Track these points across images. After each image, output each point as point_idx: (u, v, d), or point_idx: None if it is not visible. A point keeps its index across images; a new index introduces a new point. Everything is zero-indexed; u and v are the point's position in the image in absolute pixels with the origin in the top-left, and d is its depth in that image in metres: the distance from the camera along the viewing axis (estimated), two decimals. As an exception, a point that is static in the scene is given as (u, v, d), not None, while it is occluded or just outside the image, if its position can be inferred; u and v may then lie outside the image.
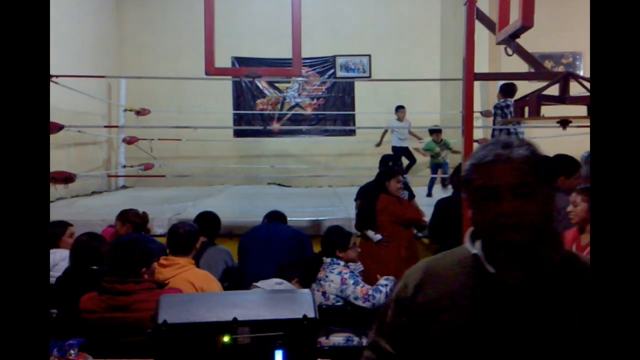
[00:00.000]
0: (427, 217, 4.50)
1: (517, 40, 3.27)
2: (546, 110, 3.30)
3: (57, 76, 5.83)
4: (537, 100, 3.17)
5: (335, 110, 10.32)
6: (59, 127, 5.80)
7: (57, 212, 5.47)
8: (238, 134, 10.21)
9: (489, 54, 7.70)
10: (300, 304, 1.35)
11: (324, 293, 3.31)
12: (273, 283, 2.99)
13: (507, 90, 6.24)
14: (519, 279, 1.09)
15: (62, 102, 6.67)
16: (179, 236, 3.11)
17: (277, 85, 10.36)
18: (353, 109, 10.33)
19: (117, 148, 9.38)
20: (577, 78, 3.34)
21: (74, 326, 2.44)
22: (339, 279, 3.31)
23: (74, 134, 7.26)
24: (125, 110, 9.13)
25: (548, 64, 8.65)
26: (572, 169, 3.48)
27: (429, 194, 7.15)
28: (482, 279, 1.12)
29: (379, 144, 8.59)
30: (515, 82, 6.10)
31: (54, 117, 4.86)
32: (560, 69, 8.66)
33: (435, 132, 7.70)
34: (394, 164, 5.60)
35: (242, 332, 1.28)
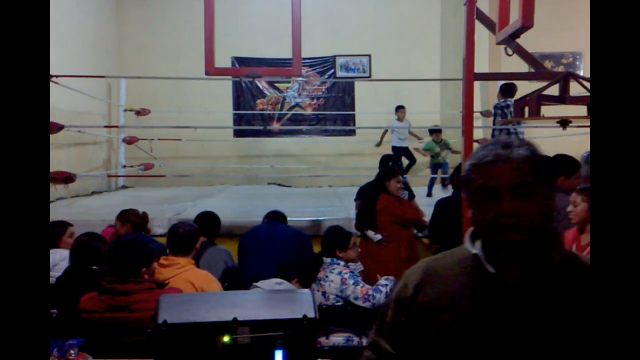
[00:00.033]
0: (427, 217, 4.50)
1: (517, 40, 3.27)
2: (546, 110, 3.30)
3: (57, 76, 5.83)
4: (537, 100, 3.17)
5: (335, 110, 10.33)
6: (59, 127, 5.80)
7: (57, 212, 5.47)
8: (238, 134, 10.21)
9: (489, 54, 7.70)
10: (300, 304, 1.35)
11: (324, 293, 3.31)
12: (273, 283, 2.99)
13: (507, 90, 6.25)
14: (519, 279, 1.09)
15: (62, 102, 6.67)
16: (179, 236, 3.11)
17: (277, 85, 10.36)
18: (353, 109, 10.33)
19: (117, 148, 9.38)
20: (577, 78, 3.34)
21: (74, 326, 2.44)
22: (339, 279, 3.31)
23: (74, 134, 7.26)
24: (125, 110, 9.13)
25: (548, 64, 8.65)
26: (572, 169, 3.49)
27: (429, 194, 7.15)
28: (482, 279, 1.12)
29: (379, 144, 8.59)
30: (515, 82, 6.10)
31: (54, 117, 4.86)
32: (560, 69, 8.66)
33: (435, 132, 7.71)
34: (394, 164, 5.60)
35: (242, 332, 1.28)
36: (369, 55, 10.26)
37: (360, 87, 10.29)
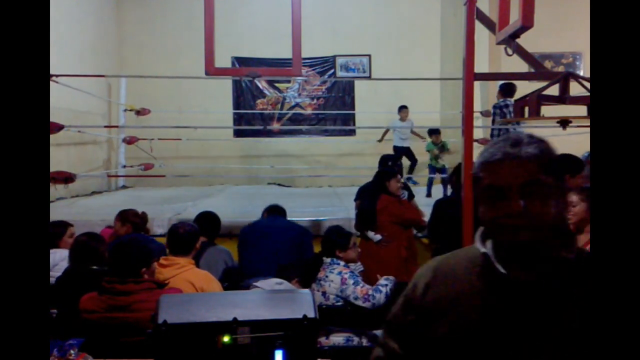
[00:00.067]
0: (426, 217, 4.50)
1: (517, 40, 3.26)
2: (546, 110, 3.30)
3: (57, 75, 5.83)
4: (537, 100, 3.17)
5: (335, 110, 10.33)
6: (59, 127, 5.80)
7: (57, 212, 5.47)
8: (238, 133, 10.20)
9: (489, 54, 7.70)
10: (300, 304, 1.35)
11: (324, 293, 3.31)
12: (273, 283, 2.99)
13: (507, 90, 6.25)
14: (530, 279, 1.08)
15: (62, 101, 6.67)
16: (179, 236, 3.11)
17: (277, 85, 10.36)
18: (353, 108, 10.34)
19: (117, 148, 9.38)
20: (577, 78, 3.34)
21: (74, 326, 2.44)
22: (339, 279, 3.31)
23: (74, 134, 7.25)
24: (125, 110, 9.14)
25: (548, 64, 8.65)
26: (577, 168, 3.48)
27: (429, 194, 7.15)
28: (492, 279, 1.11)
29: (380, 140, 8.69)
30: (515, 82, 6.10)
31: (54, 117, 4.86)
32: (560, 69, 8.66)
33: (434, 133, 7.69)
34: (394, 163, 5.61)
35: (242, 332, 1.28)
36: (369, 55, 10.26)
37: (360, 87, 10.29)
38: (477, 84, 4.12)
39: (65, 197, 7.24)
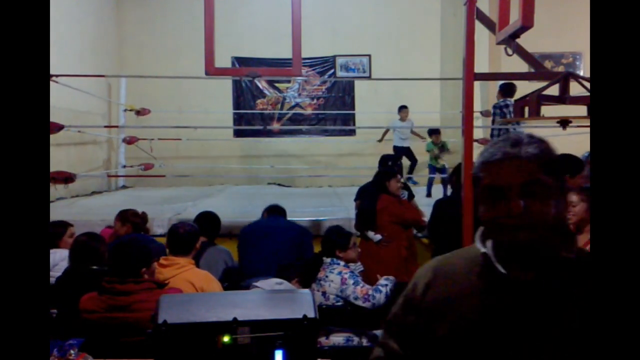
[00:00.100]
0: (426, 217, 4.50)
1: (517, 40, 3.26)
2: (546, 110, 3.30)
3: (57, 75, 5.83)
4: (537, 100, 3.17)
5: (336, 110, 10.33)
6: (59, 127, 5.80)
7: (57, 212, 5.47)
8: (238, 133, 10.20)
9: (489, 54, 7.70)
10: (300, 304, 1.35)
11: (324, 293, 3.31)
12: (273, 283, 2.99)
13: (507, 90, 6.25)
14: (530, 279, 1.08)
15: (62, 101, 6.67)
16: (179, 236, 3.11)
17: (277, 85, 10.36)
18: (353, 108, 10.33)
19: (117, 148, 9.38)
20: (577, 78, 3.34)
21: (74, 326, 2.44)
22: (339, 279, 3.31)
23: (74, 134, 7.25)
24: (125, 110, 9.14)
25: (548, 64, 8.65)
26: (577, 168, 3.48)
27: (429, 194, 7.15)
28: (492, 279, 1.11)
29: (380, 140, 8.68)
30: (515, 82, 6.10)
31: (54, 117, 4.86)
32: (560, 69, 8.66)
33: (434, 133, 7.70)
34: (394, 163, 5.61)
35: (242, 332, 1.28)
36: (369, 55, 10.25)
37: (360, 87, 10.29)
38: (477, 84, 4.12)
39: (65, 197, 7.24)
